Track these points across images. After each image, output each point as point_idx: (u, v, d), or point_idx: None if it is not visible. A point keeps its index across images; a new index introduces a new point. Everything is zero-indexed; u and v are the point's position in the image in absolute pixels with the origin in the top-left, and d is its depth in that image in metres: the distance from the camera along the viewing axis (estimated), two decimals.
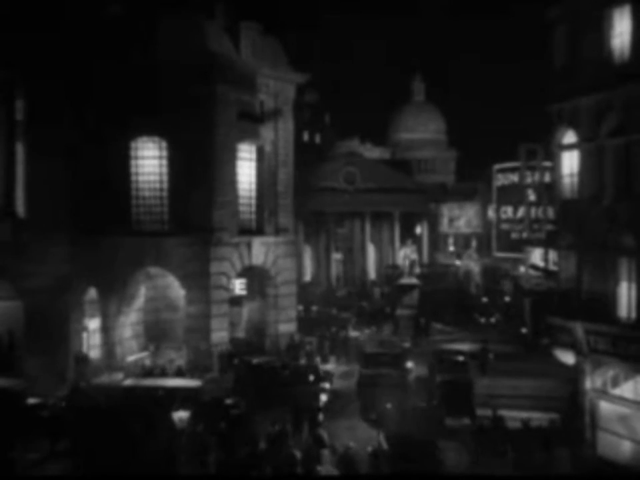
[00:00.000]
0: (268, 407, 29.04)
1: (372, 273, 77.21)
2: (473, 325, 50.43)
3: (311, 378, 32.50)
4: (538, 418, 26.59)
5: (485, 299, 60.45)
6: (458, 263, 77.25)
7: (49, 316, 34.93)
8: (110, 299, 38.24)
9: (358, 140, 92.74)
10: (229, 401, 28.12)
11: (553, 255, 47.25)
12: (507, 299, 58.26)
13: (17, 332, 36.29)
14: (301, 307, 49.41)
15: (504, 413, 27.05)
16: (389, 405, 28.66)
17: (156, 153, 38.64)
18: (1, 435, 24.05)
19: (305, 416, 27.04)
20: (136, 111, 37.03)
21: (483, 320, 52.37)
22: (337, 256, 75.44)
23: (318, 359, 38.58)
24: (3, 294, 36.20)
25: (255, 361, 35.56)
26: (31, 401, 27.85)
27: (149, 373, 34.06)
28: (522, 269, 58.65)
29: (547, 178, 50.30)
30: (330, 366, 36.99)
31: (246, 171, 41.24)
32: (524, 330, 44.24)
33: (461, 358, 34.81)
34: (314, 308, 54.07)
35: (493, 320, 52.34)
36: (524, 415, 26.94)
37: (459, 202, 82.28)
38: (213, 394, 29.49)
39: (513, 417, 26.77)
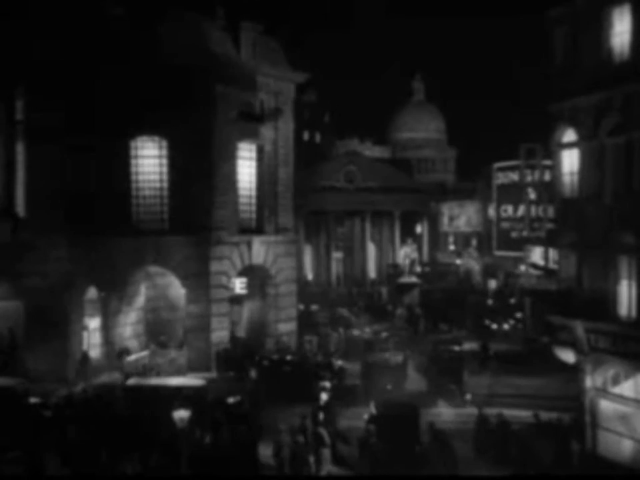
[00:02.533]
0: (290, 402, 29.64)
1: (372, 272, 77.26)
2: (485, 332, 46.71)
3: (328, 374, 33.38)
4: (516, 416, 26.88)
5: (490, 301, 59.33)
6: (458, 261, 77.31)
7: (49, 315, 34.95)
8: (110, 298, 38.24)
9: (358, 139, 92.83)
10: (231, 400, 28.06)
11: (553, 253, 47.28)
12: (513, 300, 57.05)
13: (17, 332, 36.34)
14: (302, 306, 49.45)
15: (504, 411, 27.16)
16: (389, 387, 31.12)
17: (156, 152, 38.64)
18: (3, 435, 24.08)
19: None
20: (136, 111, 37.02)
21: (495, 327, 49.08)
22: (337, 255, 75.49)
23: (320, 357, 38.67)
24: (3, 294, 36.25)
25: (275, 357, 36.00)
26: (33, 400, 27.83)
27: (127, 376, 33.62)
28: (522, 267, 58.55)
29: (547, 176, 50.45)
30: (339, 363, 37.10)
31: (246, 170, 41.24)
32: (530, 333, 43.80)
33: (456, 348, 36.97)
34: (314, 307, 54.10)
35: (506, 327, 49.43)
36: (524, 413, 27.13)
37: (459, 201, 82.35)
38: (238, 392, 29.82)
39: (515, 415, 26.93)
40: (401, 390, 31.99)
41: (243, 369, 35.57)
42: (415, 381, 34.49)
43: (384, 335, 43.74)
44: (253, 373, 34.47)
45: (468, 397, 31.51)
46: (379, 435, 23.86)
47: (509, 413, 27.09)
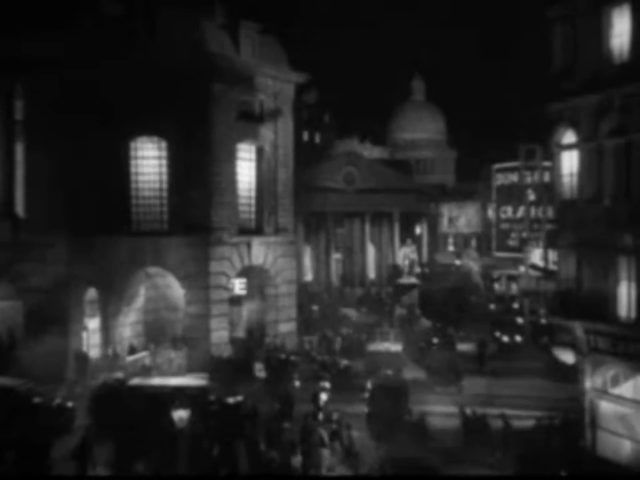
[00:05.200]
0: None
1: (372, 273, 77.22)
2: (496, 344, 43.97)
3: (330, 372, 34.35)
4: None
5: (493, 306, 58.52)
6: (458, 262, 77.25)
7: (49, 315, 34.97)
8: (110, 298, 38.23)
9: (357, 140, 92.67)
10: (231, 400, 28.03)
11: (552, 254, 47.23)
12: (516, 305, 56.18)
13: (16, 331, 36.36)
14: (302, 307, 49.40)
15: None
16: (389, 372, 33.39)
17: (155, 152, 38.63)
18: (7, 434, 24.10)
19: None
20: (135, 111, 37.01)
21: (506, 339, 45.02)
22: (336, 256, 75.43)
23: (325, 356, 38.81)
24: (3, 294, 36.28)
25: (283, 355, 36.47)
26: (36, 400, 27.82)
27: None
28: (522, 268, 58.49)
29: (547, 178, 50.45)
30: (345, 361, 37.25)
31: (245, 171, 41.21)
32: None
33: (436, 339, 41.31)
34: (314, 307, 54.06)
35: (518, 338, 45.47)
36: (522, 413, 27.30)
37: (458, 202, 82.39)
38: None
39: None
40: (399, 374, 34.14)
41: (244, 370, 35.59)
42: (413, 371, 36.47)
43: (385, 327, 44.08)
44: (261, 373, 34.75)
45: (463, 384, 33.50)
46: (374, 405, 27.24)
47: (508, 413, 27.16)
